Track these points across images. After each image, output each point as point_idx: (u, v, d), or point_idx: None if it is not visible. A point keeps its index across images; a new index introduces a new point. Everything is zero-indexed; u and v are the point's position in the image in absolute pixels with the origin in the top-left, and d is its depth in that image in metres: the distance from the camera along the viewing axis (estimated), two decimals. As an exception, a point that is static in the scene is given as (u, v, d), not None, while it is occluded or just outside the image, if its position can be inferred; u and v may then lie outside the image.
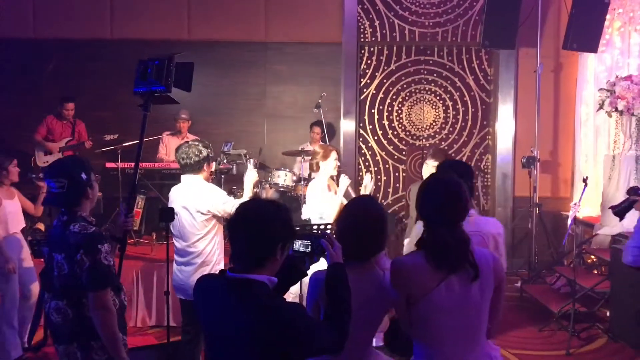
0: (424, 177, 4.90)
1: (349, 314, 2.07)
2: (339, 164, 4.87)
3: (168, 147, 7.13)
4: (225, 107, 7.77)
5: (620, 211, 4.20)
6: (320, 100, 6.67)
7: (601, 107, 6.50)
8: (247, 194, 3.93)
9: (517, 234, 7.47)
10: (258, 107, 7.90)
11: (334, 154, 4.78)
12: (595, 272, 6.45)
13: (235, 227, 1.98)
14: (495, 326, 2.32)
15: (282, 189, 6.53)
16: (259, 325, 1.86)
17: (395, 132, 8.05)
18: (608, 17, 6.97)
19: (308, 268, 2.22)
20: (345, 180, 4.63)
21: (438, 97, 8.02)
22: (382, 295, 2.26)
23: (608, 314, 5.58)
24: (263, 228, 1.94)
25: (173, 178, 6.06)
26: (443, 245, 2.16)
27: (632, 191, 4.19)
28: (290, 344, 1.86)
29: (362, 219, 2.32)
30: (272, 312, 1.87)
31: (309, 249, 2.20)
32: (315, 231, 3.46)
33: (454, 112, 8.02)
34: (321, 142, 6.99)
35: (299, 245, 2.22)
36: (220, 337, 1.96)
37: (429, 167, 4.69)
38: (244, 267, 1.94)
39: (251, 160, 4.41)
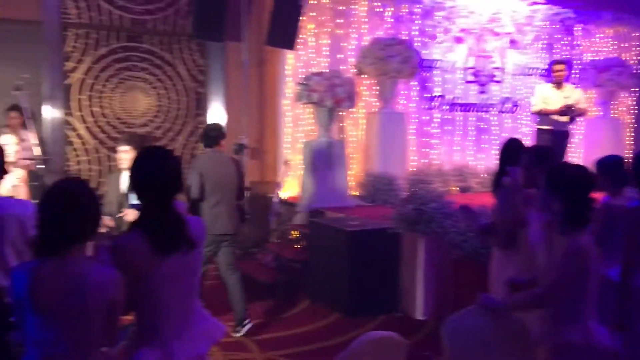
0: (121, 164, 4.88)
1: None
2: None
3: None
4: None
5: None
6: (21, 82, 6.04)
7: (298, 99, 7.31)
8: None
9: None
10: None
11: None
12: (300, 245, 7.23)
13: None
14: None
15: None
16: None
17: (108, 120, 7.77)
18: (304, 18, 7.82)
19: None
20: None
21: (150, 85, 7.98)
22: (97, 286, 2.06)
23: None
24: None
25: None
26: (161, 228, 2.25)
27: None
28: None
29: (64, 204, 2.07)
30: None
31: None
32: None
33: (168, 101, 8.08)
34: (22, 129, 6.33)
35: None
36: None
37: (120, 153, 4.82)
38: None
39: None
